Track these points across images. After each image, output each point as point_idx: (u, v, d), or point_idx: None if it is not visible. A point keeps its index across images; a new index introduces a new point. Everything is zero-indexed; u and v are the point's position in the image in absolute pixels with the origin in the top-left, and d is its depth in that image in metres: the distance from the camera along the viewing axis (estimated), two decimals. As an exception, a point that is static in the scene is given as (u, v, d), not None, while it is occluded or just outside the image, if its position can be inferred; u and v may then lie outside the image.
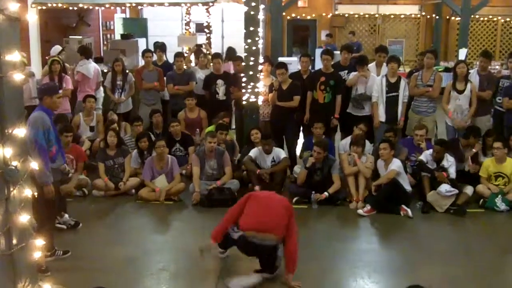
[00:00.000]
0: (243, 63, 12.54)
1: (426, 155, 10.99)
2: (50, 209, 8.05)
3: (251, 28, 12.04)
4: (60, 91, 8.27)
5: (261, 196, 8.20)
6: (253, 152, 11.36)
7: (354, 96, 12.37)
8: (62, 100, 8.83)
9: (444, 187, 10.41)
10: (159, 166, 11.31)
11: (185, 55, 15.97)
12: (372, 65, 13.07)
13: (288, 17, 26.70)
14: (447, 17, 26.50)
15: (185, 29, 20.89)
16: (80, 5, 17.22)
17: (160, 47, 15.37)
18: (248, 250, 7.71)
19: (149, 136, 12.07)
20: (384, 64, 12.80)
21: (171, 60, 15.22)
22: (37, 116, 7.69)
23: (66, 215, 9.55)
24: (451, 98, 12.13)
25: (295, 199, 10.71)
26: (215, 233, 7.92)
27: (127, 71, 14.23)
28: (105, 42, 22.21)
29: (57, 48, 15.24)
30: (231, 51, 16.16)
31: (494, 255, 8.83)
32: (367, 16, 27.21)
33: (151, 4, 17.83)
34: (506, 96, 12.17)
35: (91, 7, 18.60)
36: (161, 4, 17.21)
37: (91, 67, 14.13)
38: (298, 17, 27.23)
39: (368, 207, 10.36)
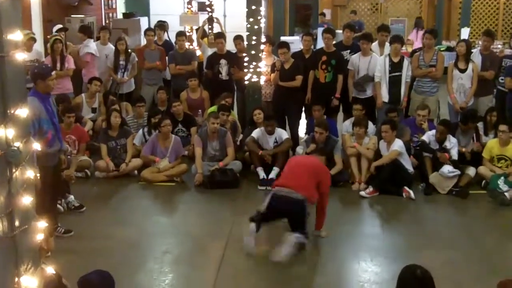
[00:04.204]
0: (246, 43, 12.49)
1: (428, 136, 10.98)
2: (51, 189, 8.06)
3: (253, 7, 11.96)
4: (53, 73, 8.12)
5: (295, 159, 9.10)
6: (255, 133, 11.33)
7: (356, 80, 12.31)
8: (56, 81, 8.74)
9: (447, 168, 10.41)
10: (164, 145, 11.33)
11: (188, 34, 15.87)
12: (374, 45, 13.02)
13: (290, -4, 26.59)
14: (449, -4, 26.39)
15: (187, 7, 20.74)
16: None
17: (160, 26, 15.31)
18: (278, 207, 8.05)
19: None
20: (387, 43, 12.77)
21: (173, 39, 15.15)
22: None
23: (72, 196, 9.60)
24: (454, 77, 12.11)
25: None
26: None
27: (129, 50, 14.16)
28: (107, 21, 22.12)
29: (57, 26, 15.18)
30: None
31: (497, 237, 8.88)
32: (369, -6, 27.10)
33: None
34: (508, 76, 12.11)
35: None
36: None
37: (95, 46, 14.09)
38: (300, -5, 27.12)
39: (371, 188, 10.38)
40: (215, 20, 17.54)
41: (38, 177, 5.21)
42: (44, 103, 7.87)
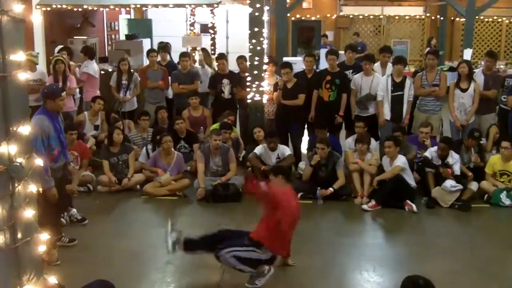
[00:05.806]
0: (248, 63, 12.55)
1: (431, 152, 11.04)
2: (54, 203, 8.08)
3: (256, 29, 12.04)
4: (63, 94, 8.24)
5: None
6: (258, 149, 11.42)
7: (359, 99, 12.39)
8: (66, 101, 8.86)
9: (449, 183, 10.44)
10: (166, 160, 11.43)
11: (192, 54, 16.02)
12: (377, 65, 13.10)
13: (293, 18, 26.75)
14: (452, 18, 26.50)
15: (190, 29, 20.87)
16: (85, 6, 17.25)
17: (163, 48, 15.47)
18: None
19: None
20: (389, 64, 12.84)
21: (176, 60, 15.26)
22: (35, 123, 7.60)
23: (74, 210, 9.64)
24: (455, 96, 12.17)
25: (300, 194, 10.60)
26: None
27: (132, 70, 14.29)
28: (109, 43, 22.28)
29: (59, 47, 15.33)
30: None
31: (498, 250, 8.86)
32: (371, 17, 27.24)
33: (156, 6, 17.84)
34: (510, 95, 12.24)
35: (95, 8, 18.64)
36: (166, 5, 17.22)
37: (96, 67, 14.28)
38: (303, 18, 27.27)
39: (373, 202, 10.40)
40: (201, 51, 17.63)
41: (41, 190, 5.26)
42: (53, 121, 7.96)
